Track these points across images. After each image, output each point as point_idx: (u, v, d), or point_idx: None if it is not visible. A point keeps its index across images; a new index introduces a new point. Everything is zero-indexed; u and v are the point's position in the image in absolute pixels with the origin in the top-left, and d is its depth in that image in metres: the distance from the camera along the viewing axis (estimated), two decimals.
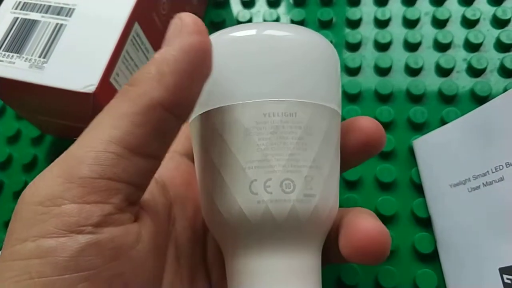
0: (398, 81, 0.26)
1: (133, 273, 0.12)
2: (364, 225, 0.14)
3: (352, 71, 0.27)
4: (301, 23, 0.29)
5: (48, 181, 0.12)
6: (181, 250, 0.16)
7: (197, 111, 0.15)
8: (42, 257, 0.11)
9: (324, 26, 0.29)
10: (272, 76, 0.14)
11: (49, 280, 0.11)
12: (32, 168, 0.27)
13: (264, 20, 0.29)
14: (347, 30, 0.28)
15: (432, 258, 0.21)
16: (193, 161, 0.18)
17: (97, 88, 0.19)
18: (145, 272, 0.13)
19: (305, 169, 0.14)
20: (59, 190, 0.11)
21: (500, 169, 0.20)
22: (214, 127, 0.14)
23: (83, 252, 0.11)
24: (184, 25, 0.13)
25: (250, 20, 0.29)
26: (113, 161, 0.12)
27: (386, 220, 0.23)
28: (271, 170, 0.13)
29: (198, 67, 0.13)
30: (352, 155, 0.17)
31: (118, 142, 0.12)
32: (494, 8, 0.27)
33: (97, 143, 0.12)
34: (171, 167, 0.17)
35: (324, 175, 0.14)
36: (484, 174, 0.20)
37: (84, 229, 0.11)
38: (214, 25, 0.30)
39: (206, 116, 0.15)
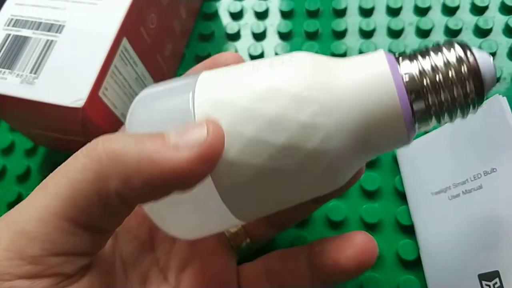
0: None
1: None
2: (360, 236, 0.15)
3: None
4: (288, 34, 0.30)
5: None
6: (127, 262, 0.16)
7: None
8: None
9: (310, 37, 0.29)
10: None
11: None
12: (26, 179, 0.28)
13: (252, 32, 0.30)
14: (333, 41, 0.29)
15: (415, 265, 0.22)
16: None
17: (86, 102, 0.20)
18: None
19: None
20: (9, 266, 0.11)
21: (479, 178, 0.20)
22: None
23: None
24: (205, 142, 0.12)
25: (238, 32, 0.30)
26: (65, 238, 0.12)
27: (370, 227, 0.23)
28: None
29: (178, 186, 0.12)
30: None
31: (70, 219, 0.12)
32: (476, 18, 0.28)
33: (49, 218, 0.12)
34: None
35: None
36: (464, 182, 0.21)
37: None
38: (203, 37, 0.31)
39: None
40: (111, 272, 0.15)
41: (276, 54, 0.29)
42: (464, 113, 0.14)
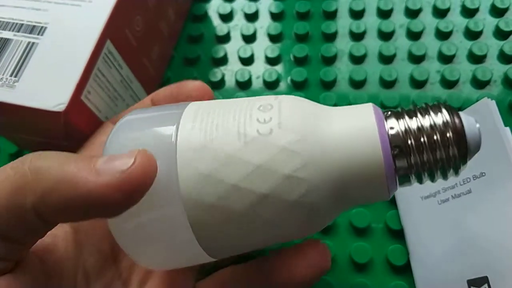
0: (373, 93, 0.26)
1: None
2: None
3: (327, 85, 0.27)
4: (278, 36, 0.29)
5: None
6: (90, 273, 0.17)
7: None
8: None
9: (300, 39, 0.29)
10: None
11: None
12: None
13: (242, 34, 0.29)
14: (323, 44, 0.28)
15: (404, 270, 0.22)
16: None
17: (67, 106, 0.19)
18: None
19: None
20: None
21: (468, 182, 0.20)
22: None
23: None
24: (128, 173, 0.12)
25: (228, 34, 0.30)
26: None
27: (359, 232, 0.23)
28: None
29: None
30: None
31: None
32: (467, 20, 0.27)
33: None
34: None
35: None
36: (453, 187, 0.21)
37: None
38: (193, 39, 0.30)
39: None
40: (68, 280, 0.15)
41: (266, 56, 0.28)
42: (445, 176, 0.14)
